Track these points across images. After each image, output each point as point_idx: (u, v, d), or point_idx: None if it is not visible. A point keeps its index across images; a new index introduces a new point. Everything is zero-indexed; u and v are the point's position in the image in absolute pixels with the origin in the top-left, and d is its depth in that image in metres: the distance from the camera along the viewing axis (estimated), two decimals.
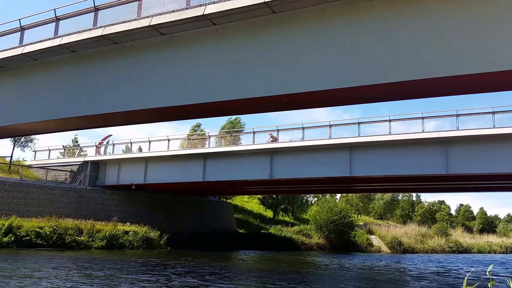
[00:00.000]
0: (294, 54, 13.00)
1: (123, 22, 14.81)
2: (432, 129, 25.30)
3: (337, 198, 67.13)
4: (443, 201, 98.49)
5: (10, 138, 35.25)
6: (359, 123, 27.32)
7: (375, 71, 11.89)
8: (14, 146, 37.86)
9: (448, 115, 25.53)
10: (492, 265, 3.20)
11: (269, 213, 57.79)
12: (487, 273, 3.17)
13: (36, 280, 14.47)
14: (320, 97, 13.56)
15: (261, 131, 31.65)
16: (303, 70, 12.90)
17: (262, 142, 30.42)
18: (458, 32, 11.09)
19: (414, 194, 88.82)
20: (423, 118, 25.62)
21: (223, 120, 64.64)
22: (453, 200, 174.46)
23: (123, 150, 39.85)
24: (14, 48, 17.75)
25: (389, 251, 52.74)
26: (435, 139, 24.39)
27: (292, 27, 12.90)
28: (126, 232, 32.03)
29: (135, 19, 14.57)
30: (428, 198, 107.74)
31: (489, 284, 3.10)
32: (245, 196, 58.69)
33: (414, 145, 25.30)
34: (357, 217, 68.31)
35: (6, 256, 21.71)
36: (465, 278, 3.17)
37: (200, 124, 57.43)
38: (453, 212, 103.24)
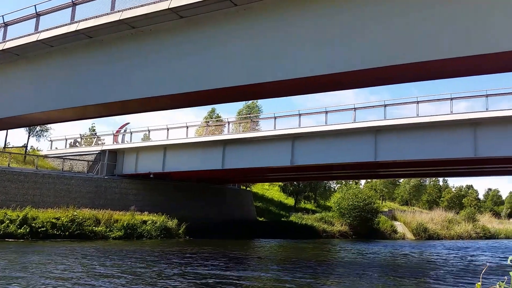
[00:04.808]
0: (320, 35, 12.28)
1: (141, 5, 14.24)
2: (463, 111, 23.85)
3: (361, 185, 65.50)
4: (471, 186, 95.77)
5: (25, 128, 34.85)
6: (385, 105, 25.95)
7: (404, 50, 11.12)
8: (29, 136, 37.51)
9: (477, 95, 24.16)
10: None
11: (290, 201, 56.71)
12: (509, 261, 3.29)
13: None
14: (346, 78, 12.75)
15: (282, 115, 30.41)
16: (331, 51, 12.20)
17: (284, 128, 29.17)
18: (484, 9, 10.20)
19: (441, 179, 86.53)
20: (451, 99, 24.35)
21: (238, 105, 63.29)
22: (482, 184, 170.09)
23: (142, 139, 39.25)
24: (29, 35, 17.38)
25: (414, 238, 51.35)
26: (464, 121, 23.10)
27: (317, 6, 12.15)
28: (144, 222, 31.51)
29: (154, 2, 13.94)
30: (456, 182, 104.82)
31: (511, 273, 3.26)
32: (266, 183, 57.68)
33: (442, 127, 24.04)
34: (382, 203, 66.65)
35: (18, 248, 21.26)
36: (481, 273, 3.62)
37: (215, 109, 56.33)
38: (481, 196, 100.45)
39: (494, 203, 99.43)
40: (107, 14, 15.06)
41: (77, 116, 20.75)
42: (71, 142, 41.20)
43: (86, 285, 12.46)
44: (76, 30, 15.69)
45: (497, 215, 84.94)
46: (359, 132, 26.24)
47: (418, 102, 25.15)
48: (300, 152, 28.25)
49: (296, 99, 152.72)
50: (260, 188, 57.29)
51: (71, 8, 16.39)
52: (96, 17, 15.36)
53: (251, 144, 30.49)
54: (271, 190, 58.80)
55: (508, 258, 3.33)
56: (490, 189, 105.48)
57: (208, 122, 41.93)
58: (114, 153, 37.31)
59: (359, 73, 11.93)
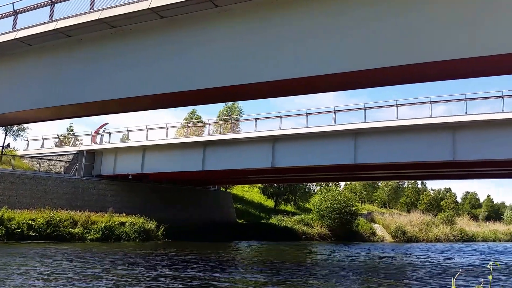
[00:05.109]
0: (301, 37, 12.37)
1: (122, 5, 14.18)
2: (442, 114, 24.26)
3: (340, 187, 65.97)
4: (449, 189, 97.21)
5: (1, 127, 34.05)
6: (365, 108, 26.23)
7: (385, 53, 11.26)
8: (5, 136, 36.69)
9: (456, 99, 24.61)
10: (491, 262, 3.44)
11: (270, 203, 56.72)
12: (488, 266, 3.46)
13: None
14: (327, 81, 12.85)
15: (263, 117, 30.39)
16: (311, 53, 12.27)
17: (264, 129, 29.17)
18: (465, 15, 10.42)
19: (419, 182, 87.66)
20: (430, 102, 24.76)
21: (219, 106, 63.01)
22: (460, 187, 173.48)
23: (120, 139, 38.74)
24: (6, 33, 17.19)
25: (392, 240, 51.90)
26: (442, 124, 23.44)
27: (299, 9, 12.20)
28: (122, 224, 31.03)
29: (133, 2, 13.86)
30: (434, 185, 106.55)
31: (489, 277, 3.51)
32: (246, 185, 57.56)
33: (421, 130, 24.33)
34: (361, 205, 67.24)
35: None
36: (454, 278, 3.72)
37: (196, 110, 56.03)
38: (459, 199, 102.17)
39: (472, 206, 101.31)
40: (86, 13, 14.95)
41: (54, 116, 20.51)
42: (56, 142, 40.44)
43: (72, 285, 12.28)
44: (54, 29, 15.55)
45: (474, 218, 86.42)
46: (339, 134, 26.40)
47: (397, 105, 25.42)
48: (280, 154, 28.27)
49: (275, 101, 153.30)
50: (240, 190, 57.12)
51: (49, 6, 16.26)
52: (75, 16, 15.22)
53: (232, 145, 30.39)
54: (251, 192, 58.69)
55: (484, 260, 3.43)
56: (468, 192, 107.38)
57: (189, 123, 41.66)
58: (92, 153, 36.70)
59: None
